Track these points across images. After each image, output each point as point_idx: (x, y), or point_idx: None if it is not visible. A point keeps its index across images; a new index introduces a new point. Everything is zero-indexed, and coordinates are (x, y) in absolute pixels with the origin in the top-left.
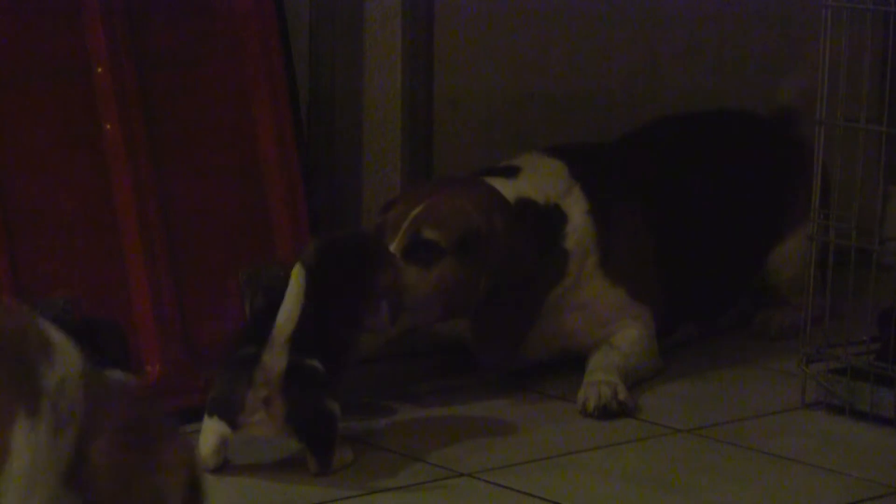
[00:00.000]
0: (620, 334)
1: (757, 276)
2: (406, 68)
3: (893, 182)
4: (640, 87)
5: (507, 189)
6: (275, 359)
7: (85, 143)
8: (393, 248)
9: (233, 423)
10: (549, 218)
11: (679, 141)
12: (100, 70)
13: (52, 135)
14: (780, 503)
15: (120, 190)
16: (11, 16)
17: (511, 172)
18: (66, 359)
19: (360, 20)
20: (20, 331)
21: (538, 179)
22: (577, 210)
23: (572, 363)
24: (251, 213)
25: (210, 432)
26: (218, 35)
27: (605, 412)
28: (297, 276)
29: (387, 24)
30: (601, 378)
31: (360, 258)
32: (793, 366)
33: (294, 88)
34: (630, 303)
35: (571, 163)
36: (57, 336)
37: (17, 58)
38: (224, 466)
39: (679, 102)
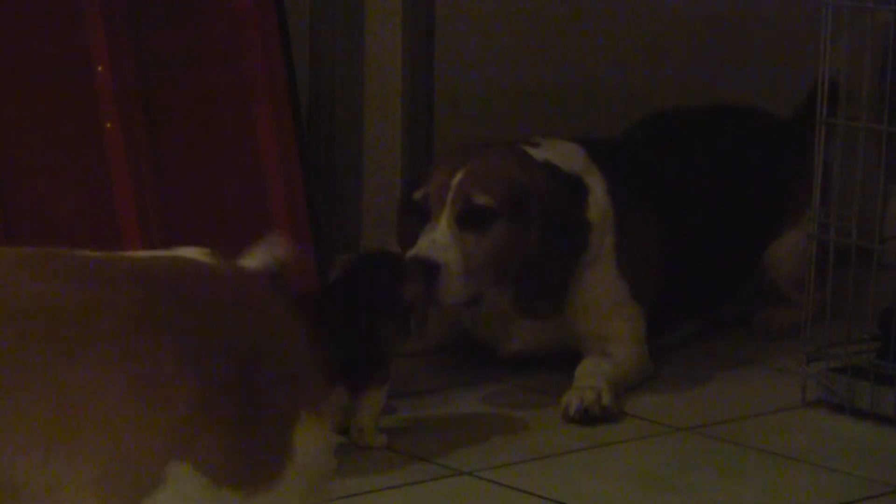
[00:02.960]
0: (612, 342)
1: (756, 270)
2: (406, 68)
3: (894, 181)
4: (640, 85)
5: (534, 154)
6: None
7: (85, 143)
8: (444, 217)
9: None
10: (574, 185)
11: (678, 133)
12: (100, 69)
13: (52, 135)
14: (780, 501)
15: (120, 190)
16: (11, 16)
17: (532, 145)
18: None
19: (361, 20)
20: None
21: (559, 154)
22: (597, 186)
23: (572, 363)
24: (251, 212)
25: None
26: (218, 35)
27: (587, 416)
28: None
29: (387, 23)
30: (586, 384)
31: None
32: (793, 364)
33: (294, 88)
34: (629, 300)
35: (587, 147)
36: None
37: (17, 57)
38: None
39: (678, 99)
